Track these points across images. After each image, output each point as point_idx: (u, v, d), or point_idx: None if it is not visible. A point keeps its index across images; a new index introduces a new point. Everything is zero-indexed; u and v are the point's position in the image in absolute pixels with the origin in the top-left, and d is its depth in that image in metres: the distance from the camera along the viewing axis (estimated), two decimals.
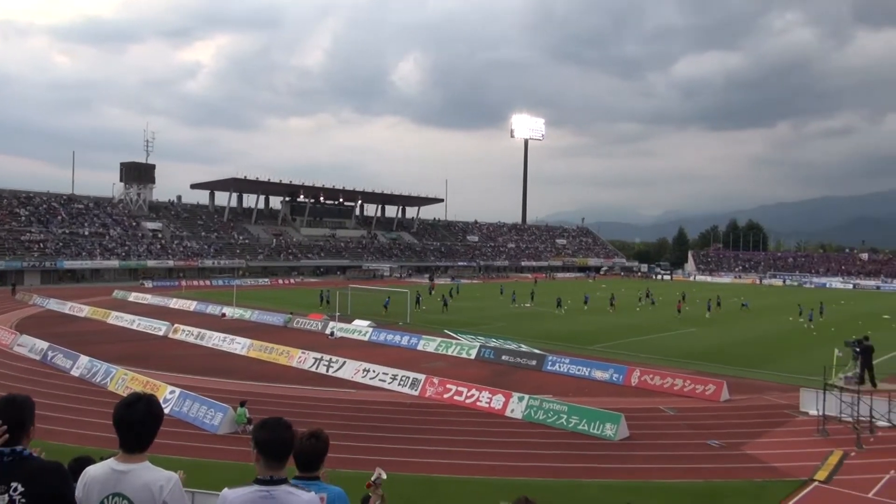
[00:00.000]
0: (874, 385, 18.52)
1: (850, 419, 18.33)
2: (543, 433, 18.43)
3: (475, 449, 16.95)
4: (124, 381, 22.03)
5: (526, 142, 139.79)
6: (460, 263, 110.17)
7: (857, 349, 18.65)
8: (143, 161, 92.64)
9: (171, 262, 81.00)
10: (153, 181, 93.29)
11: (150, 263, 79.00)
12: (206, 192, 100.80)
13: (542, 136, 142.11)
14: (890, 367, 26.12)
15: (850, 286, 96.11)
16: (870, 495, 14.09)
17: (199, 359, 29.34)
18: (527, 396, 20.34)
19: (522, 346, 32.82)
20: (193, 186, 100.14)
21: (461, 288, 73.44)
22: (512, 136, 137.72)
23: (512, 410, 20.09)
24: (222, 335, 33.19)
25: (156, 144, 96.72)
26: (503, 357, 29.58)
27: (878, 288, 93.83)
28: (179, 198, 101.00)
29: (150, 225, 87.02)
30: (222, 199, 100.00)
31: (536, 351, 30.65)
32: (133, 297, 56.19)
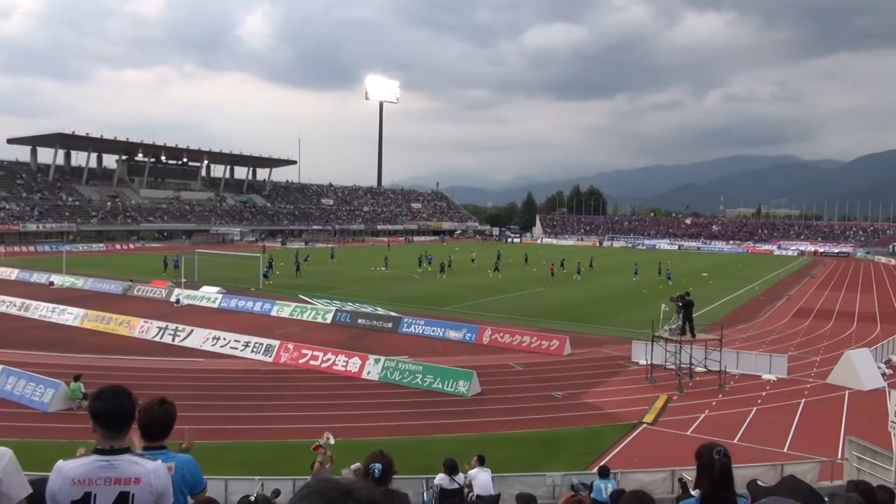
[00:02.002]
0: (693, 335, 20.68)
1: (673, 367, 20.39)
2: (399, 393, 18.82)
3: (332, 412, 16.95)
4: None
5: (381, 104, 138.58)
6: (315, 227, 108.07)
7: (680, 304, 20.69)
8: None
9: None
10: None
11: None
12: (27, 149, 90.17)
13: (397, 98, 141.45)
14: (707, 319, 29.22)
15: (676, 247, 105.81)
16: (688, 433, 15.85)
17: (24, 331, 26.76)
18: (383, 358, 20.61)
19: (378, 309, 33.03)
20: (11, 141, 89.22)
21: (335, 252, 71.66)
22: (367, 98, 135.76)
23: (368, 373, 20.28)
24: (51, 305, 30.44)
25: None
26: (359, 321, 29.65)
27: (699, 249, 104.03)
28: None
29: None
30: (46, 156, 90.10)
31: (392, 314, 31.01)
32: None
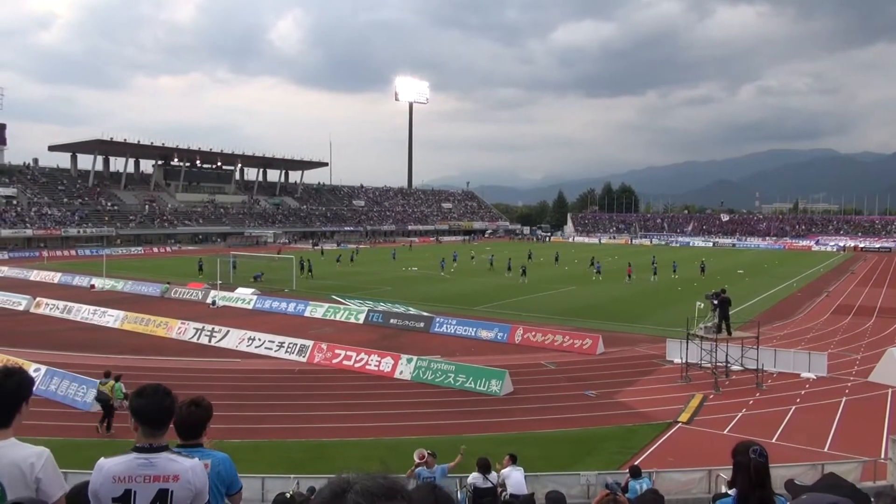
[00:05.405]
0: (729, 333, 20.32)
1: (709, 365, 20.07)
2: (432, 392, 18.87)
3: (365, 412, 17.08)
4: None
5: (411, 105, 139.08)
6: (347, 228, 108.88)
7: (716, 301, 20.34)
8: None
9: (29, 232, 74.43)
10: (4, 142, 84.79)
11: (5, 233, 72.20)
12: (68, 155, 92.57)
13: (427, 99, 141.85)
14: (743, 317, 28.69)
15: (711, 244, 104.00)
16: (725, 432, 15.58)
17: (67, 333, 27.48)
18: (415, 358, 20.68)
19: (410, 309, 33.16)
20: (52, 148, 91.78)
21: (355, 252, 72.29)
22: (397, 100, 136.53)
23: (401, 372, 20.38)
24: (92, 307, 31.20)
25: (4, 102, 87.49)
26: (391, 320, 29.79)
27: (734, 245, 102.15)
28: (36, 161, 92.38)
29: (3, 191, 79.20)
30: (86, 162, 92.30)
31: (424, 313, 31.10)
32: None
